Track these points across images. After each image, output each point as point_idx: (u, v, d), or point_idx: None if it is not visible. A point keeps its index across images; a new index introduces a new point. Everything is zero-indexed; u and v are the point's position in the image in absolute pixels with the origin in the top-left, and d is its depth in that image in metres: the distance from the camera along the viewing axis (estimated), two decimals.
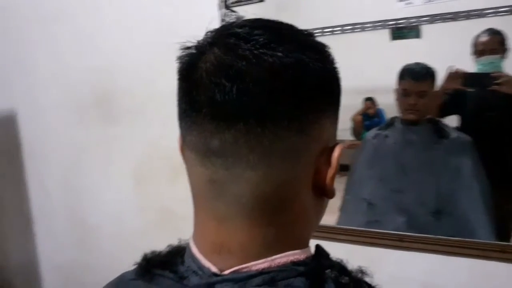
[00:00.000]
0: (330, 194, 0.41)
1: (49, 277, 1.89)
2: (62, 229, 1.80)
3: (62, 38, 1.64)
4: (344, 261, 0.42)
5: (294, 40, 0.37)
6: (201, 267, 0.39)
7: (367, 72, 1.24)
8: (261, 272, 0.37)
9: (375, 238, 1.22)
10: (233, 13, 1.23)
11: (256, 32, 0.36)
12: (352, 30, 1.19)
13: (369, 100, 1.29)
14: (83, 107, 1.63)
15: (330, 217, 1.36)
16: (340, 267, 0.40)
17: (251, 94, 0.34)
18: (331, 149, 0.40)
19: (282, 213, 0.38)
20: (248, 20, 0.39)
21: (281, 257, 0.38)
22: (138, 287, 0.42)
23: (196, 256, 0.40)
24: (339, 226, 1.32)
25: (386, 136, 1.30)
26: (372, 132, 1.33)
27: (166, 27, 1.37)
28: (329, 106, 0.40)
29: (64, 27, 1.62)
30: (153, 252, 0.44)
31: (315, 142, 0.38)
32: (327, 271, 0.39)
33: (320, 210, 0.44)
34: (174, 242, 0.46)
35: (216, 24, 0.41)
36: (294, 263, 0.38)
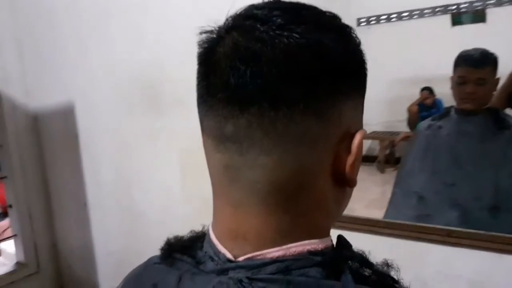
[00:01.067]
0: (351, 183, 0.39)
1: (103, 261, 1.99)
2: (113, 217, 1.88)
3: (112, 33, 1.69)
4: (367, 253, 0.40)
5: (314, 21, 0.36)
6: (217, 252, 0.39)
7: (425, 61, 1.17)
8: (275, 260, 0.36)
9: (422, 232, 1.17)
10: None
11: (274, 13, 0.35)
12: (410, 17, 1.12)
13: (426, 89, 1.23)
14: (132, 100, 1.68)
15: (378, 212, 1.32)
16: (361, 259, 0.38)
17: (265, 77, 0.33)
18: (353, 136, 0.38)
19: (299, 200, 0.37)
20: (269, 2, 0.38)
21: (297, 246, 0.37)
22: (161, 271, 0.42)
23: (214, 241, 0.40)
24: (384, 219, 1.27)
25: (440, 127, 1.23)
26: (425, 122, 1.26)
27: (213, 20, 1.38)
28: (350, 90, 0.38)
29: (114, 22, 1.68)
30: (175, 237, 0.45)
31: (334, 127, 0.37)
32: (347, 262, 0.37)
33: (341, 200, 0.41)
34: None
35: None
36: (311, 253, 0.37)
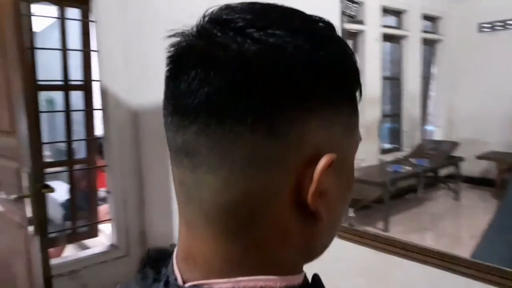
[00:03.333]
0: (318, 217, 0.33)
1: None
2: None
3: None
4: None
5: (279, 25, 0.31)
6: (172, 273, 0.36)
7: None
8: None
9: None
10: (355, 5, 1.11)
11: (238, 15, 0.31)
12: None
13: None
14: None
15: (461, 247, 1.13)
16: None
17: (213, 86, 0.30)
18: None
19: (251, 229, 0.33)
20: (244, 2, 0.33)
21: (248, 280, 0.32)
22: (135, 282, 0.40)
23: (173, 261, 0.37)
24: (473, 259, 1.08)
25: None
26: None
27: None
28: (318, 106, 0.32)
29: None
30: (155, 249, 0.43)
31: (294, 148, 0.31)
32: None
33: (312, 234, 0.35)
34: None
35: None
36: None
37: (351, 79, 0.35)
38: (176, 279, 0.35)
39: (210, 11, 0.33)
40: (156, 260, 0.40)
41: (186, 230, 0.36)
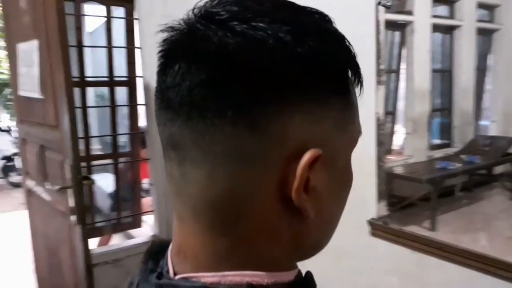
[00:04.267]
0: (303, 212, 0.33)
1: None
2: None
3: None
4: None
5: (265, 17, 0.30)
6: (166, 265, 0.37)
7: None
8: (206, 287, 0.32)
9: None
10: None
11: (224, 8, 0.31)
12: None
13: None
14: None
15: None
16: None
17: (193, 79, 0.30)
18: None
19: (237, 224, 0.33)
20: None
21: (234, 275, 0.32)
22: (137, 274, 0.41)
23: (168, 253, 0.38)
24: None
25: None
26: None
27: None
28: (300, 99, 0.31)
29: None
30: (159, 241, 0.43)
31: (275, 143, 0.31)
32: None
33: (302, 231, 0.35)
34: None
35: None
36: (251, 286, 0.32)
37: (341, 73, 0.33)
38: (168, 271, 0.36)
39: (200, 3, 0.33)
40: (157, 252, 0.40)
41: (178, 223, 0.36)
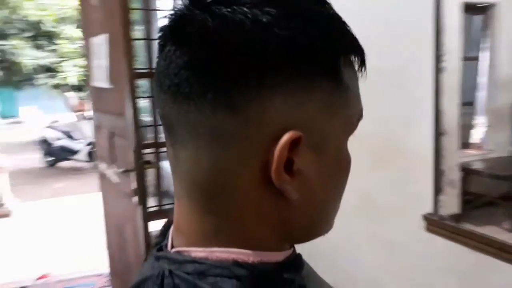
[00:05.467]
0: (286, 194, 0.33)
1: None
2: None
3: None
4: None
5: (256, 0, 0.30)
6: (167, 239, 0.39)
7: None
8: (195, 261, 0.34)
9: None
10: None
11: None
12: None
13: None
14: None
15: None
16: (299, 285, 0.35)
17: (178, 62, 0.31)
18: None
19: (223, 203, 0.34)
20: None
21: (221, 251, 0.34)
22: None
23: (171, 228, 0.40)
24: None
25: None
26: None
27: None
28: (281, 81, 0.31)
29: None
30: (171, 221, 0.44)
31: (255, 125, 0.31)
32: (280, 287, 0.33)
33: (287, 214, 0.35)
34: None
35: None
36: (236, 263, 0.33)
37: (328, 55, 0.33)
38: (166, 245, 0.38)
39: None
40: (169, 228, 0.42)
41: (176, 202, 0.38)
